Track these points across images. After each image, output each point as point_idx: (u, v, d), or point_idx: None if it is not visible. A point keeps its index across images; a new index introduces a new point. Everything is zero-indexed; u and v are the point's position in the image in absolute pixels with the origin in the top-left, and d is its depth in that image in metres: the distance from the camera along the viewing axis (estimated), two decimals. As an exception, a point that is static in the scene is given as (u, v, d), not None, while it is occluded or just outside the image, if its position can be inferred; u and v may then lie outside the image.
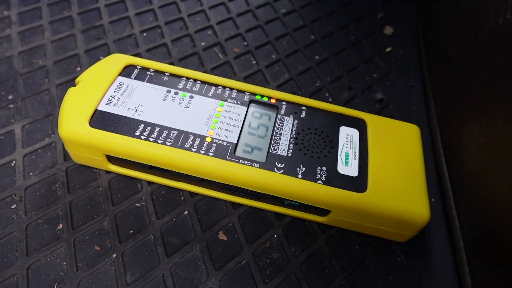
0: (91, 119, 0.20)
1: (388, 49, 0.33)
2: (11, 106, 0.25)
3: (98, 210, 0.21)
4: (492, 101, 0.20)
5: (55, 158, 0.23)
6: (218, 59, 0.29)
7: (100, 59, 0.27)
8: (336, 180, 0.20)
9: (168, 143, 0.20)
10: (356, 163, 0.21)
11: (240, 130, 0.22)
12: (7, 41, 0.28)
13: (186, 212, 0.22)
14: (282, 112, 0.23)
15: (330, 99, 0.28)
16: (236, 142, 0.21)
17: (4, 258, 0.19)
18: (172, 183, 0.22)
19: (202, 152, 0.20)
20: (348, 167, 0.21)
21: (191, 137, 0.21)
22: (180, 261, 0.20)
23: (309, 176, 0.20)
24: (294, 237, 0.21)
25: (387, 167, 0.21)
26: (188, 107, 0.22)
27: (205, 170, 0.20)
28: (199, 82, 0.23)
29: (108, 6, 0.31)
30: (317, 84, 0.29)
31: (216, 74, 0.28)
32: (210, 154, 0.20)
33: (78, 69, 0.27)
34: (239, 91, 0.23)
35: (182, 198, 0.22)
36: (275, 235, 0.21)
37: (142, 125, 0.21)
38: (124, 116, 0.21)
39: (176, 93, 0.23)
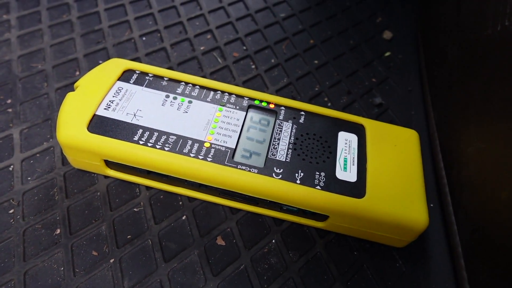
0: (89, 124, 0.20)
1: (387, 54, 0.33)
2: (10, 110, 0.25)
3: (96, 215, 0.21)
4: (491, 107, 0.20)
5: (53, 163, 0.23)
6: (217, 63, 0.29)
7: (99, 63, 0.28)
8: (335, 185, 0.20)
9: (166, 148, 0.20)
10: (354, 169, 0.21)
11: (238, 135, 0.22)
12: (6, 45, 0.28)
13: (184, 217, 0.22)
14: (281, 117, 0.23)
15: (329, 104, 0.28)
16: (234, 147, 0.21)
17: (1, 263, 0.19)
18: (170, 188, 0.22)
19: (200, 157, 0.20)
20: (346, 172, 0.21)
21: (190, 142, 0.21)
22: (178, 266, 0.20)
23: (308, 181, 0.20)
24: (292, 242, 0.21)
25: (386, 172, 0.21)
26: (186, 112, 0.22)
27: (203, 175, 0.20)
28: (198, 87, 0.23)
29: (107, 10, 0.31)
30: (316, 89, 0.29)
31: (215, 79, 0.28)
32: (209, 159, 0.20)
33: (77, 73, 0.27)
34: (237, 96, 0.23)
35: (180, 203, 0.22)
36: (273, 240, 0.21)
37: (140, 130, 0.21)
38: (122, 121, 0.21)
39: (175, 98, 0.23)
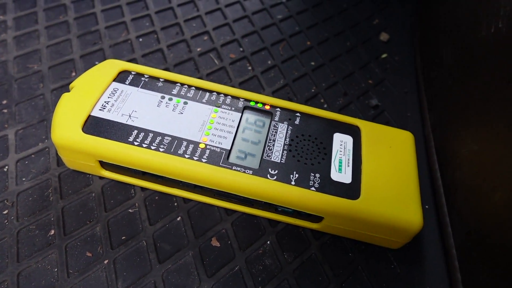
0: (84, 124, 0.20)
1: (384, 56, 0.33)
2: (5, 111, 0.25)
3: (90, 216, 0.21)
4: (485, 109, 0.20)
5: (48, 164, 0.23)
6: (214, 64, 0.29)
7: (96, 64, 0.27)
8: (329, 187, 0.20)
9: (161, 149, 0.20)
10: (349, 170, 0.21)
11: (234, 136, 0.22)
12: (3, 46, 0.28)
13: (179, 218, 0.22)
14: (276, 118, 0.23)
15: (325, 105, 0.28)
16: (229, 148, 0.21)
17: (-5, 264, 0.19)
18: (165, 189, 0.22)
19: (195, 158, 0.20)
20: (341, 174, 0.21)
21: (185, 143, 0.21)
22: (172, 267, 0.20)
23: (302, 183, 0.20)
24: (287, 243, 0.21)
25: (381, 174, 0.21)
26: (182, 113, 0.22)
27: (198, 176, 0.20)
28: (193, 88, 0.24)
29: (104, 12, 0.31)
30: (313, 90, 0.29)
31: (211, 80, 0.28)
32: (204, 160, 0.20)
33: (73, 74, 0.27)
34: (233, 97, 0.24)
35: (175, 204, 0.22)
36: (268, 242, 0.21)
37: (135, 131, 0.21)
38: (117, 122, 0.21)
39: (170, 99, 0.23)
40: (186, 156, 0.20)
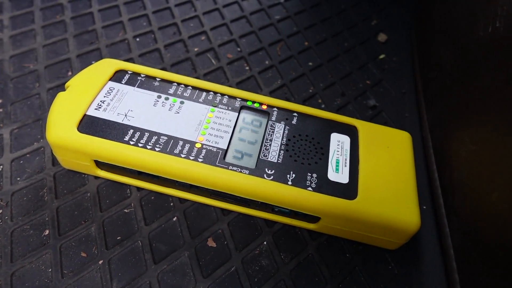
0: (79, 124, 0.20)
1: (382, 56, 0.33)
2: (0, 110, 0.24)
3: (85, 216, 0.21)
4: (483, 109, 0.20)
5: (43, 163, 0.22)
6: (211, 64, 0.29)
7: (92, 64, 0.27)
8: (326, 187, 0.20)
9: (157, 149, 0.20)
10: (346, 170, 0.21)
11: (230, 136, 0.21)
12: (-1, 45, 0.28)
13: (175, 219, 0.21)
14: (273, 118, 0.23)
15: (323, 106, 0.28)
16: (226, 148, 0.21)
17: (-12, 264, 0.19)
18: (161, 189, 0.22)
19: (191, 158, 0.20)
20: (338, 174, 0.21)
21: (181, 143, 0.21)
22: (167, 268, 0.20)
23: (299, 183, 0.20)
24: (284, 244, 0.21)
25: (378, 174, 0.21)
26: (178, 113, 0.22)
27: (194, 176, 0.20)
28: (190, 87, 0.23)
29: (101, 11, 0.31)
30: (310, 91, 0.29)
31: (209, 80, 0.28)
32: (200, 160, 0.20)
33: (70, 73, 0.27)
34: (230, 97, 0.23)
35: (172, 204, 0.22)
36: (264, 242, 0.21)
37: (131, 131, 0.21)
38: (113, 121, 0.21)
39: (166, 99, 0.22)
40: (182, 155, 0.20)
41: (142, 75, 0.23)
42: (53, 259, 0.19)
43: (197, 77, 0.28)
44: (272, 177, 0.20)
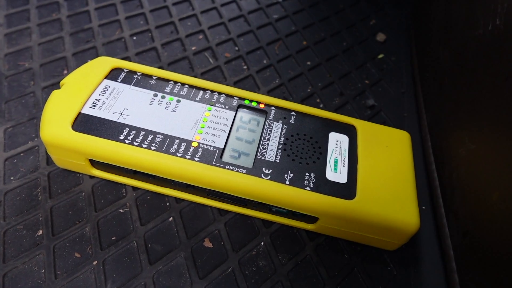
0: (74, 122, 0.20)
1: (381, 56, 0.33)
2: (-5, 108, 0.24)
3: (80, 216, 0.20)
4: (482, 108, 0.20)
5: (37, 162, 0.22)
6: (209, 63, 0.29)
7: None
8: (325, 186, 0.20)
9: (153, 148, 0.20)
10: (345, 170, 0.21)
11: (227, 135, 0.21)
12: (-6, 43, 0.27)
13: (171, 219, 0.21)
14: (271, 117, 0.23)
15: (322, 105, 0.28)
16: (223, 147, 0.21)
17: (-20, 265, 0.18)
18: (157, 188, 0.21)
19: (187, 157, 0.20)
20: (337, 173, 0.21)
21: (177, 141, 0.20)
22: (163, 269, 0.19)
23: (297, 182, 0.20)
24: (282, 245, 0.21)
25: (377, 174, 0.21)
26: (174, 111, 0.22)
27: (190, 175, 0.20)
28: (186, 86, 0.23)
29: (98, 9, 0.31)
30: (309, 90, 0.29)
31: (206, 79, 0.28)
32: (196, 159, 0.20)
33: (65, 72, 0.27)
34: (227, 95, 0.23)
35: (168, 204, 0.22)
36: (262, 243, 0.21)
37: (126, 129, 0.20)
38: (108, 120, 0.20)
39: (163, 97, 0.22)
40: (179, 154, 0.20)
41: (138, 73, 0.23)
42: (47, 259, 0.19)
43: (195, 76, 0.28)
44: (269, 176, 0.20)
